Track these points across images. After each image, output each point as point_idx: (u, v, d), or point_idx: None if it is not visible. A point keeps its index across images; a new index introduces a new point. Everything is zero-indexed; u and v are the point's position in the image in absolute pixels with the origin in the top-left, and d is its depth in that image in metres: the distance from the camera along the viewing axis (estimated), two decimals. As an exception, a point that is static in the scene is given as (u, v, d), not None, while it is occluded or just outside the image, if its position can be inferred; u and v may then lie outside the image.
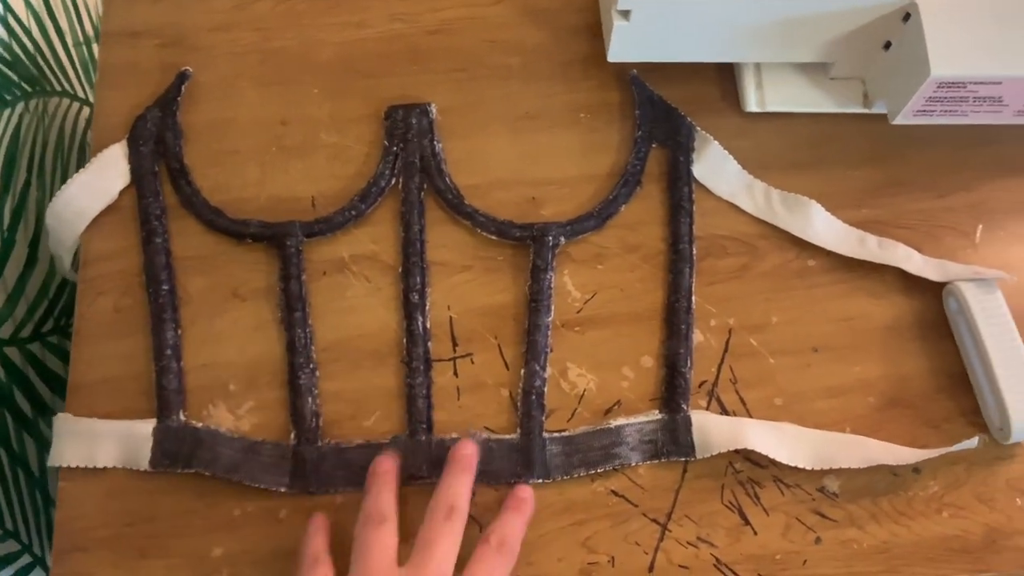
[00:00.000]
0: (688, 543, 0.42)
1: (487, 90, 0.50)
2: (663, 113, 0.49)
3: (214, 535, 0.41)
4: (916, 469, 0.43)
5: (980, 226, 0.48)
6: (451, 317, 0.45)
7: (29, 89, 0.54)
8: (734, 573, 0.41)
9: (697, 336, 0.45)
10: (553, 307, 0.45)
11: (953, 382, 0.45)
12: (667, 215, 0.47)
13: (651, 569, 0.41)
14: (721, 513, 0.42)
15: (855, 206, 0.48)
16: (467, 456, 0.40)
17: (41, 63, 0.56)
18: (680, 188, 0.47)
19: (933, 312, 0.46)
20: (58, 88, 0.58)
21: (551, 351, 0.44)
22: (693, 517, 0.42)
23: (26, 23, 0.54)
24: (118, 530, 0.41)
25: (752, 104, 0.49)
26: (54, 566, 0.40)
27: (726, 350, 0.45)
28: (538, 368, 0.43)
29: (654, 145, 0.48)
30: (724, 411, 0.44)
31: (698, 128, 0.48)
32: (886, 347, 0.45)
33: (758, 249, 0.47)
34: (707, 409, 0.44)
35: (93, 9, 0.63)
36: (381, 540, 0.37)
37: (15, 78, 0.52)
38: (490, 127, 0.49)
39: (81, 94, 0.61)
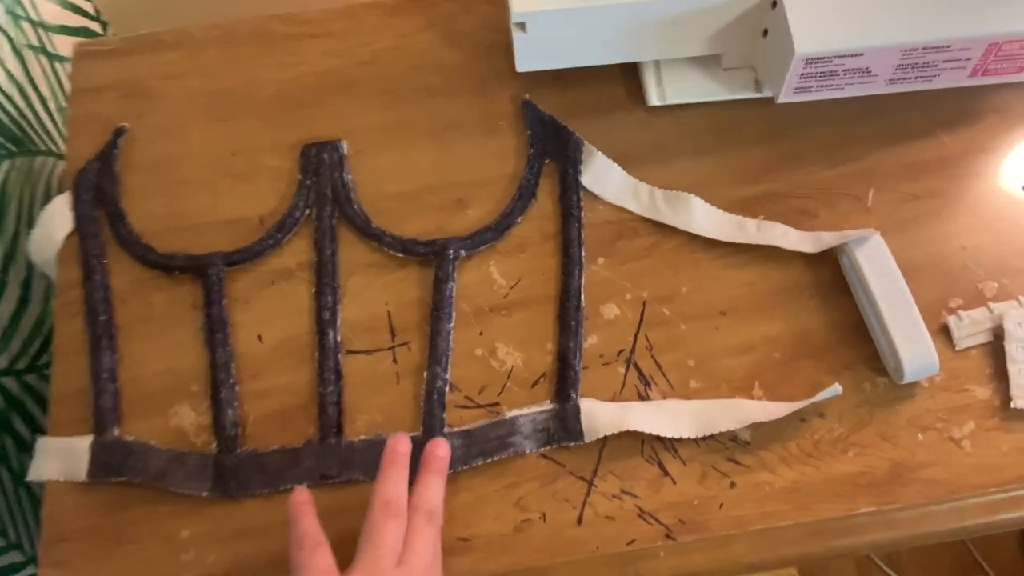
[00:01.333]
0: (613, 496, 0.45)
1: (414, 108, 0.55)
2: (553, 131, 0.53)
3: (181, 519, 0.45)
4: (821, 414, 0.46)
5: (872, 190, 0.52)
6: (388, 311, 0.50)
7: (15, 149, 0.60)
8: (656, 520, 0.45)
9: (613, 310, 0.49)
10: (455, 314, 0.49)
11: (852, 332, 0.48)
12: (559, 223, 0.51)
13: (579, 522, 0.45)
14: (642, 467, 0.46)
15: (754, 182, 0.52)
16: (441, 458, 0.44)
17: (25, 126, 0.62)
18: (570, 197, 0.51)
19: (830, 271, 0.50)
20: (43, 148, 0.64)
21: (480, 334, 0.49)
22: (616, 472, 0.46)
23: (8, 92, 0.60)
24: (96, 520, 0.45)
25: (654, 98, 0.54)
26: (41, 556, 0.45)
27: (641, 320, 0.49)
28: (439, 370, 0.47)
29: (547, 161, 0.53)
30: (641, 376, 0.48)
31: (585, 142, 0.52)
32: (788, 306, 0.49)
33: (666, 228, 0.51)
34: (625, 375, 0.48)
35: (73, 75, 0.69)
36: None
37: (1, 139, 0.58)
38: (418, 140, 0.54)
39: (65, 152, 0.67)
